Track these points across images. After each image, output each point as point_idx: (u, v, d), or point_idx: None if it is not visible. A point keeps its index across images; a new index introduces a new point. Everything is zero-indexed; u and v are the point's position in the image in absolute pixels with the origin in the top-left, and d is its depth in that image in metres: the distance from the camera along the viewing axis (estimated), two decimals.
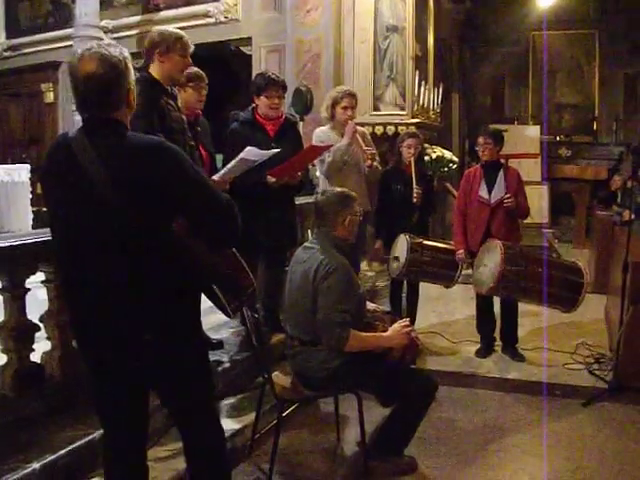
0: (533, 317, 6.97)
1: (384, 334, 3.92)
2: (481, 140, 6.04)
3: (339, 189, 4.22)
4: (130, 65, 2.66)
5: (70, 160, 2.55)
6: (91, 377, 2.90)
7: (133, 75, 2.68)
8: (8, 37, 13.70)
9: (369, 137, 6.36)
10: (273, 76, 5.40)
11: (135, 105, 2.73)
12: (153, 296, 2.62)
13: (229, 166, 4.61)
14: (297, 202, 6.03)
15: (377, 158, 6.16)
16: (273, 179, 5.07)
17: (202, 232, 2.72)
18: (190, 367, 2.83)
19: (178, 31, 4.45)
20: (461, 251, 6.03)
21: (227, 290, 2.83)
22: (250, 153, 4.54)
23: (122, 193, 2.47)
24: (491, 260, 5.47)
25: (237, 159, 4.53)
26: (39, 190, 11.29)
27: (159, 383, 2.87)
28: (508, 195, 5.81)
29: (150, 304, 2.63)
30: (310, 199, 6.32)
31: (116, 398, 2.85)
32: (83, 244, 2.61)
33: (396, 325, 3.94)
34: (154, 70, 4.37)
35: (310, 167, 5.81)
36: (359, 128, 6.20)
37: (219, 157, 5.43)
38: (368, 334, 3.90)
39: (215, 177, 4.63)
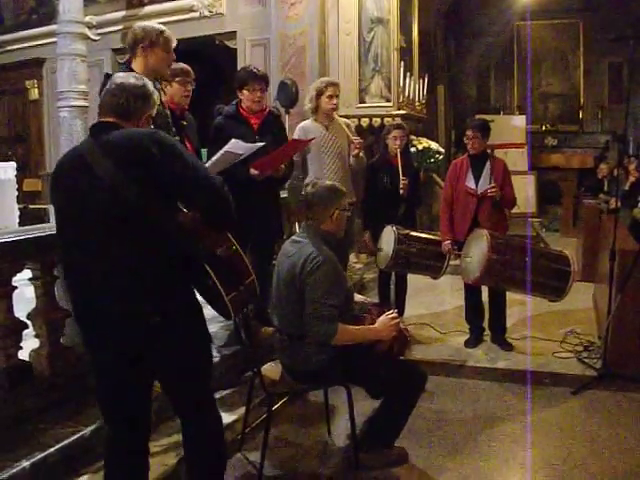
0: (521, 306, 6.99)
1: (372, 326, 3.91)
2: (470, 133, 6.03)
3: (329, 183, 4.20)
4: (156, 104, 3.14)
5: (81, 164, 2.78)
6: (95, 368, 2.99)
7: (154, 111, 3.13)
8: None
9: (353, 127, 6.36)
10: (255, 70, 5.40)
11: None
12: (159, 279, 2.77)
13: (214, 159, 4.61)
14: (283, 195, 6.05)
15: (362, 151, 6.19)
16: (256, 172, 5.06)
17: (197, 212, 2.89)
18: (195, 350, 2.98)
19: (160, 26, 4.43)
20: (447, 241, 6.04)
21: (224, 276, 2.87)
22: (235, 146, 4.54)
23: (125, 179, 2.69)
24: (478, 249, 5.47)
25: (222, 152, 4.53)
26: (25, 188, 11.30)
27: (164, 367, 2.95)
28: (493, 185, 5.82)
29: (156, 286, 2.77)
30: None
31: (120, 387, 2.92)
32: (93, 233, 2.76)
33: (383, 317, 3.93)
34: (137, 65, 4.35)
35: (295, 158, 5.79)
36: (344, 120, 6.20)
37: (204, 151, 5.42)
38: (356, 327, 3.89)
39: None
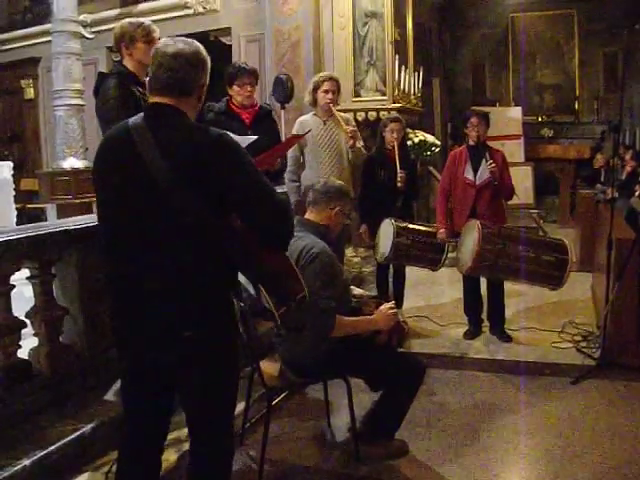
0: (520, 297, 7.00)
1: (369, 317, 3.93)
2: (475, 120, 6.04)
3: (342, 183, 4.27)
4: (209, 65, 2.72)
5: (128, 147, 2.53)
6: (123, 371, 2.86)
7: (208, 75, 2.73)
8: None
9: (353, 122, 6.33)
10: (244, 65, 5.43)
11: (201, 100, 2.75)
12: (201, 291, 2.56)
13: None
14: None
15: (361, 142, 6.14)
16: None
17: (255, 231, 2.64)
18: (221, 370, 2.74)
19: (139, 19, 4.44)
20: (442, 231, 6.06)
21: (275, 292, 2.74)
22: None
23: (177, 183, 2.44)
24: (470, 240, 5.50)
25: None
26: (22, 187, 11.30)
27: (187, 382, 2.73)
28: (491, 162, 5.83)
29: (197, 299, 2.56)
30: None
31: (144, 395, 2.79)
32: (133, 234, 2.57)
33: (382, 307, 3.95)
34: (127, 63, 4.38)
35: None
36: (343, 114, 6.19)
37: None
38: (353, 319, 3.90)
39: None
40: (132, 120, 2.60)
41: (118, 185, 2.58)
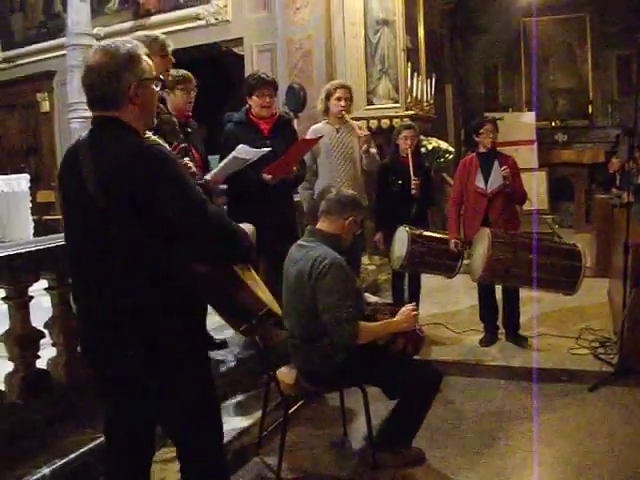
0: (536, 303, 6.96)
1: (393, 319, 3.94)
2: (489, 127, 6.05)
3: (354, 193, 4.29)
4: (140, 61, 2.52)
5: (75, 162, 2.50)
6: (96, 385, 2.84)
7: (144, 72, 2.53)
8: (3, 49, 13.71)
9: (366, 130, 6.34)
10: (263, 75, 5.44)
11: (144, 103, 2.55)
12: (139, 310, 2.45)
13: (221, 165, 4.66)
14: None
15: (374, 149, 6.17)
16: (269, 177, 5.08)
17: (191, 247, 2.50)
18: (184, 392, 2.61)
19: (152, 33, 4.47)
20: (453, 240, 6.06)
21: (228, 311, 2.69)
22: (242, 151, 4.59)
23: (107, 199, 2.37)
24: (481, 248, 5.50)
25: (229, 157, 4.59)
26: (39, 199, 11.38)
27: (154, 406, 2.67)
28: (505, 167, 5.86)
29: (137, 318, 2.46)
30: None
31: (113, 410, 2.77)
32: (81, 250, 2.57)
33: (403, 309, 3.97)
34: None
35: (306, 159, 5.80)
36: (355, 122, 6.21)
37: (212, 158, 5.44)
38: (377, 323, 3.93)
39: (207, 176, 4.68)
40: (83, 134, 2.58)
41: (68, 199, 2.62)
